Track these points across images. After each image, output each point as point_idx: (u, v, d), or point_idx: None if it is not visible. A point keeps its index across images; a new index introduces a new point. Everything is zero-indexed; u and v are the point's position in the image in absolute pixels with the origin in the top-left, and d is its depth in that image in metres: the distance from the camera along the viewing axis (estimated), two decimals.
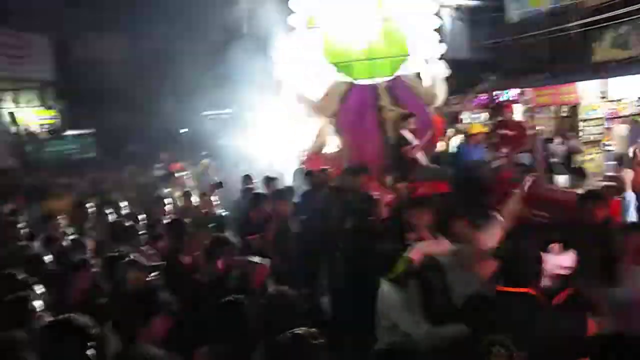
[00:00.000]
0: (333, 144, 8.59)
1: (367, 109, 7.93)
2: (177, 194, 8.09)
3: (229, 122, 18.02)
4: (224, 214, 6.73)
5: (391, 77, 8.09)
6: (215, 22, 19.71)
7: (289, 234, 5.71)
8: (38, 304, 3.00)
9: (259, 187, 7.46)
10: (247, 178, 7.82)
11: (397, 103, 8.01)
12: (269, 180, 7.40)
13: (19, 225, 5.67)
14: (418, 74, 8.45)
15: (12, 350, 2.31)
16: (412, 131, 7.04)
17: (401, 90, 8.08)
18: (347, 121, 7.95)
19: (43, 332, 2.38)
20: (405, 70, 8.21)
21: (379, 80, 8.04)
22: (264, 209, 5.84)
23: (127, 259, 3.61)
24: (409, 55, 8.08)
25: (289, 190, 6.68)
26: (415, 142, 7.01)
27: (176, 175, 8.81)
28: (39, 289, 3.45)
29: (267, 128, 10.89)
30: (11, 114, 21.76)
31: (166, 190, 8.11)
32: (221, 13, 18.26)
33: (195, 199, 7.13)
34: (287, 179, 8.22)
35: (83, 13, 24.08)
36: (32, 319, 2.81)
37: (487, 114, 17.30)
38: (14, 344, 2.33)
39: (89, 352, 2.25)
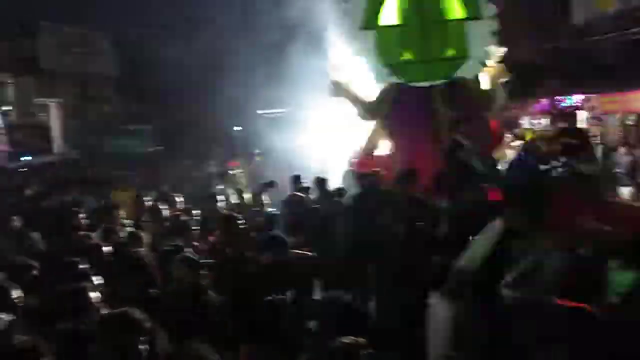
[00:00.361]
0: (384, 147, 8.52)
1: (420, 112, 7.79)
2: (230, 190, 8.26)
3: (282, 121, 18.19)
4: (274, 212, 6.80)
5: (447, 80, 7.90)
6: (273, 21, 19.97)
7: (338, 236, 5.70)
8: (95, 295, 3.10)
9: (310, 187, 7.48)
10: (296, 179, 7.86)
11: (452, 107, 7.82)
12: (320, 181, 7.41)
13: (81, 216, 5.92)
14: (476, 77, 8.23)
15: (72, 340, 2.38)
16: (468, 136, 6.81)
17: (457, 94, 7.88)
18: (399, 124, 7.84)
19: (100, 324, 2.43)
20: (463, 72, 7.99)
21: (434, 82, 7.87)
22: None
23: (181, 254, 3.69)
24: (467, 57, 7.85)
25: (340, 192, 6.66)
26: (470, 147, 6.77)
27: (230, 172, 8.98)
28: (97, 279, 3.58)
29: (320, 128, 10.92)
30: (75, 108, 22.86)
31: (220, 187, 8.30)
32: (278, 13, 18.47)
33: (247, 197, 7.25)
34: (337, 180, 8.22)
35: (146, 11, 25.01)
36: (89, 310, 2.90)
37: (548, 120, 16.64)
38: (76, 334, 2.40)
39: (142, 347, 2.32)
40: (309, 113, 11.71)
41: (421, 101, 7.73)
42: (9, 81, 22.61)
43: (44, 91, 22.30)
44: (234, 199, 7.83)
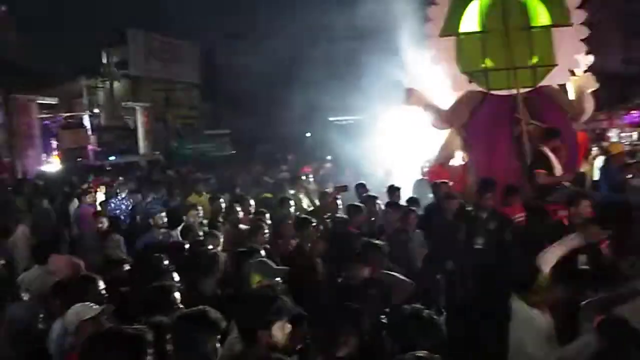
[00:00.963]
0: (458, 157, 8.27)
1: (501, 122, 7.47)
2: (301, 195, 8.33)
3: (354, 128, 18.19)
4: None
5: (532, 88, 7.55)
6: (348, 28, 20.09)
7: (408, 246, 5.58)
8: (177, 294, 3.20)
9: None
10: (362, 186, 7.80)
11: (536, 117, 7.46)
12: (393, 190, 7.30)
13: (162, 214, 6.18)
14: (563, 86, 7.80)
15: (158, 335, 2.45)
16: (554, 150, 6.44)
17: (543, 103, 7.50)
18: (478, 133, 7.56)
19: (179, 321, 2.49)
20: (549, 81, 7.60)
21: (517, 91, 7.54)
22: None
23: (255, 257, 3.74)
24: (555, 65, 7.46)
25: (414, 201, 6.52)
26: (556, 162, 6.38)
27: (302, 177, 9.07)
28: (176, 276, 3.72)
29: (391, 136, 10.80)
30: (159, 112, 24.13)
31: (291, 192, 8.38)
32: (354, 20, 18.54)
33: (318, 202, 7.26)
34: (407, 189, 8.06)
35: (227, 21, 26.03)
36: (173, 309, 2.99)
37: (638, 133, 15.49)
38: (162, 329, 2.47)
39: (217, 345, 2.36)
40: (381, 121, 11.62)
41: (502, 110, 7.42)
42: (99, 85, 24.35)
43: (131, 95, 23.78)
44: (305, 204, 7.90)
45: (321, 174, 11.87)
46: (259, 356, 2.28)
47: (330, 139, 20.13)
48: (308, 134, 24.35)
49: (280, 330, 2.57)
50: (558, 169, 6.34)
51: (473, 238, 5.15)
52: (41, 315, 3.49)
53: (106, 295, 3.43)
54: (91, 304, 3.03)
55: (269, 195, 8.44)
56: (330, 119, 22.76)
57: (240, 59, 26.83)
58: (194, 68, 27.74)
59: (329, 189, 7.84)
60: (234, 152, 21.78)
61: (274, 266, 3.60)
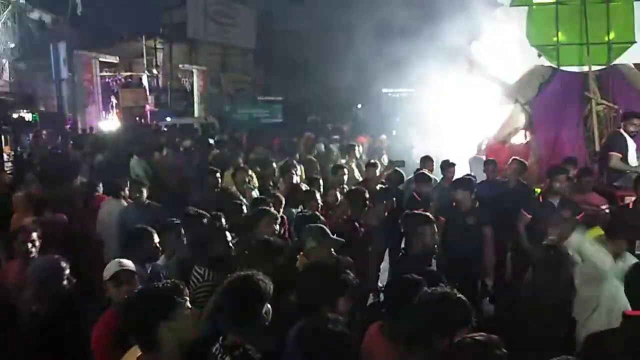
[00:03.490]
0: (522, 135, 7.91)
1: (571, 100, 7.09)
2: (353, 165, 8.24)
3: (408, 100, 17.81)
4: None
5: (605, 66, 7.09)
6: None
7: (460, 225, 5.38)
8: None
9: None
10: (427, 159, 7.53)
11: (608, 96, 7.02)
12: (447, 165, 7.07)
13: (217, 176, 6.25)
14: (639, 65, 7.28)
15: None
16: (628, 131, 6.01)
17: (616, 82, 7.06)
18: (545, 111, 7.21)
19: (227, 286, 2.38)
20: (625, 59, 7.11)
21: (589, 68, 7.10)
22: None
23: (315, 224, 3.70)
24: (633, 42, 6.95)
25: (468, 180, 6.27)
26: (632, 147, 5.97)
27: (354, 148, 8.95)
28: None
29: (449, 110, 10.45)
30: (215, 76, 24.38)
31: (342, 161, 8.30)
32: None
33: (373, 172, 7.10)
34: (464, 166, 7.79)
35: None
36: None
37: None
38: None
39: (264, 309, 2.28)
40: (438, 94, 11.27)
41: (574, 87, 7.03)
42: (158, 47, 24.79)
43: (189, 58, 24.12)
44: (357, 174, 7.80)
45: (375, 146, 11.69)
46: (325, 328, 2.21)
47: (383, 111, 19.87)
48: (359, 106, 24.07)
49: (343, 305, 2.54)
50: (632, 154, 5.93)
51: (541, 227, 4.61)
52: (66, 272, 3.19)
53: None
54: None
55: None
56: (384, 90, 22.33)
57: (295, 26, 26.61)
58: (250, 33, 27.75)
59: (390, 161, 7.68)
60: (285, 120, 21.82)
61: (331, 236, 3.54)
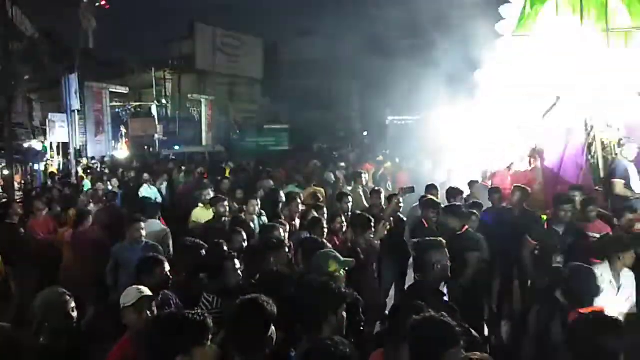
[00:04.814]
0: (526, 161, 7.95)
1: (574, 127, 7.13)
2: (360, 191, 8.29)
3: (413, 128, 17.93)
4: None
5: None
6: (410, 27, 19.85)
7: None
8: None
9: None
10: (432, 188, 7.57)
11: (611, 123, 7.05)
12: (453, 193, 7.09)
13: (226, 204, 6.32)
14: None
15: None
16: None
17: None
18: (548, 138, 7.25)
19: (235, 308, 2.43)
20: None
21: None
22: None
23: (325, 249, 3.76)
24: None
25: (477, 206, 6.30)
26: (634, 170, 6.00)
27: (361, 175, 9.01)
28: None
29: (454, 137, 10.54)
30: (223, 105, 24.72)
31: (349, 188, 8.35)
32: (417, 17, 18.28)
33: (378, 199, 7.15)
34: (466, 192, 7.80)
35: (291, 18, 26.36)
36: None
37: None
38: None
39: (270, 332, 2.34)
40: (442, 121, 11.38)
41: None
42: (167, 77, 25.30)
43: (197, 88, 24.57)
44: (365, 201, 7.84)
45: (377, 173, 11.76)
46: (320, 345, 2.26)
47: (389, 138, 19.99)
48: (365, 133, 24.27)
49: (339, 321, 2.59)
50: (635, 179, 5.97)
51: (549, 254, 4.72)
52: (72, 305, 3.01)
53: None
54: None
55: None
56: (390, 118, 22.54)
57: (301, 56, 27.10)
58: (257, 63, 28.27)
59: (382, 189, 7.73)
60: (291, 147, 22.02)
61: (341, 258, 3.62)
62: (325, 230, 5.21)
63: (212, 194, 6.95)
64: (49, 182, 11.98)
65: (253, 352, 2.30)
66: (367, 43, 22.69)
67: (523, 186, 6.16)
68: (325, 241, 4.38)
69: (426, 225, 5.64)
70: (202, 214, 6.67)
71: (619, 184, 5.88)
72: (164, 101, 24.04)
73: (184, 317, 2.12)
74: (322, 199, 7.81)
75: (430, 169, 10.99)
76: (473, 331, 2.82)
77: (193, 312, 2.13)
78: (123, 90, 20.08)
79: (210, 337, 2.12)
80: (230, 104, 26.20)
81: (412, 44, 20.59)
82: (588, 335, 2.34)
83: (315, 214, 5.81)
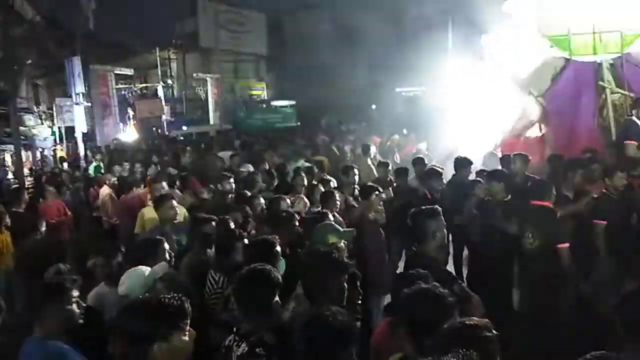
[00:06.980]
0: (536, 128, 7.80)
1: (584, 90, 6.98)
2: (369, 164, 8.26)
3: (421, 99, 17.72)
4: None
5: (619, 55, 6.96)
6: None
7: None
8: None
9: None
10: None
11: (623, 85, 6.90)
12: (463, 163, 6.97)
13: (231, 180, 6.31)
14: None
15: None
16: None
17: (631, 71, 6.92)
18: (559, 102, 7.11)
19: (240, 278, 2.48)
20: (638, 47, 6.98)
21: (603, 57, 6.98)
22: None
23: (326, 221, 3.75)
24: None
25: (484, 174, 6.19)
26: None
27: (369, 148, 8.96)
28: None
29: (462, 106, 10.36)
30: (231, 84, 24.58)
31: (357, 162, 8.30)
32: None
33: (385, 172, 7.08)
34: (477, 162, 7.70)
35: None
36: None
37: None
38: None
39: (275, 299, 2.41)
40: (448, 92, 11.18)
41: (588, 77, 6.92)
42: (172, 57, 25.11)
43: (202, 67, 24.39)
44: (374, 171, 7.79)
45: (385, 146, 11.66)
46: (323, 314, 2.25)
47: (397, 110, 19.78)
48: (373, 106, 24.03)
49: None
50: None
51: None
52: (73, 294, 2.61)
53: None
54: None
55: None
56: (397, 89, 22.27)
57: (306, 30, 26.73)
58: (261, 39, 27.95)
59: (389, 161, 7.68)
60: (299, 123, 21.90)
61: (342, 228, 3.63)
62: (338, 202, 5.18)
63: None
64: (60, 166, 12.06)
65: (260, 316, 2.39)
66: (373, 13, 22.28)
67: (521, 153, 6.04)
68: (331, 213, 4.34)
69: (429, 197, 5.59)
70: None
71: (632, 146, 5.74)
72: (169, 81, 23.91)
73: (160, 302, 2.06)
74: (325, 168, 7.81)
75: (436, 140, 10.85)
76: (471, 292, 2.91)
77: (170, 296, 2.08)
78: (128, 71, 19.96)
79: (188, 321, 2.07)
80: (235, 81, 26.05)
81: (419, 12, 20.18)
82: None
83: (322, 188, 5.75)
